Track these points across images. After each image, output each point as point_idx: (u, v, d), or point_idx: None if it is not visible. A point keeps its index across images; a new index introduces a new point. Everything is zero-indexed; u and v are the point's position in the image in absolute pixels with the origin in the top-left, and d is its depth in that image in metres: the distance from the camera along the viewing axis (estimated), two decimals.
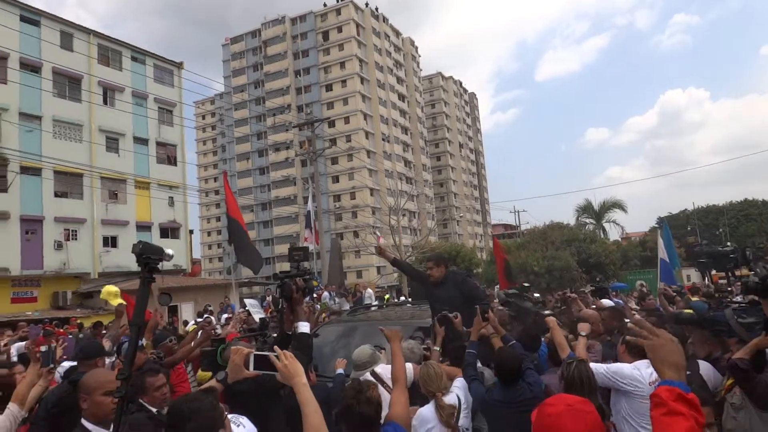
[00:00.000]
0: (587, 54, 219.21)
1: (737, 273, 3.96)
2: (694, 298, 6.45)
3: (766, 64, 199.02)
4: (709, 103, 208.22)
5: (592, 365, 3.80)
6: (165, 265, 2.76)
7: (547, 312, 5.22)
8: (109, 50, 34.23)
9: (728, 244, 3.80)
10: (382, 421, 2.88)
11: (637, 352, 3.95)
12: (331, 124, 69.71)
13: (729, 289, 5.10)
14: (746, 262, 4.12)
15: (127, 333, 6.17)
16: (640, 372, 3.79)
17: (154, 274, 2.65)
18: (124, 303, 7.15)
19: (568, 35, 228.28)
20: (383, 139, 76.81)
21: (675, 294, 6.77)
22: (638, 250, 46.78)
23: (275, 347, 2.49)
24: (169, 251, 2.71)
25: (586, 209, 55.86)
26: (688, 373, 3.66)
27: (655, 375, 3.88)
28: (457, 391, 3.84)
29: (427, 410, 3.69)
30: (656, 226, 72.68)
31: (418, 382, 3.86)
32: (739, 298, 3.74)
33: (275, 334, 4.50)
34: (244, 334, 6.16)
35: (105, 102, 33.19)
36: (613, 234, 56.11)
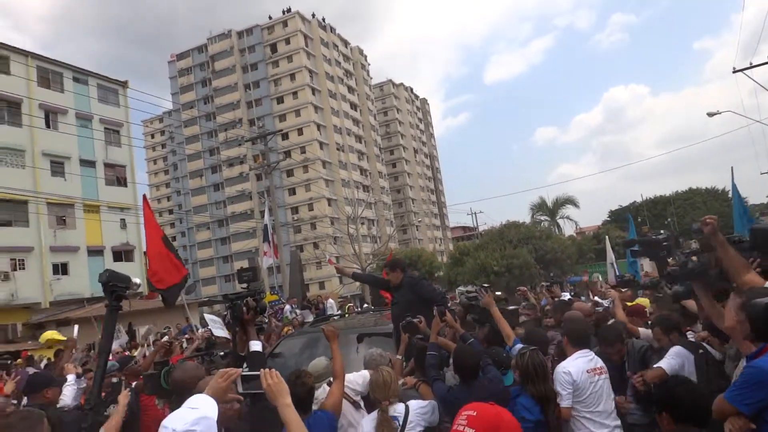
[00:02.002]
0: (532, 55, 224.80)
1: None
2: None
3: (699, 58, 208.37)
4: (650, 98, 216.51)
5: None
6: None
7: (511, 307, 5.30)
8: (50, 72, 33.18)
9: (661, 232, 3.97)
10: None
11: (577, 342, 4.09)
12: (285, 136, 69.24)
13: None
14: (679, 249, 4.31)
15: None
16: (569, 373, 3.86)
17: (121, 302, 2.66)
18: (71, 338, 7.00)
19: (513, 38, 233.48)
20: (338, 149, 76.74)
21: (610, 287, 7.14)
22: (592, 243, 48.15)
23: (262, 368, 2.54)
24: (137, 280, 2.74)
25: (540, 207, 57.22)
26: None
27: (594, 363, 4.01)
28: (413, 405, 3.75)
29: (368, 423, 3.61)
30: (608, 219, 74.94)
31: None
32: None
33: (221, 353, 4.44)
34: (190, 354, 6.04)
35: (47, 125, 32.13)
36: (568, 229, 57.70)
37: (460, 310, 5.28)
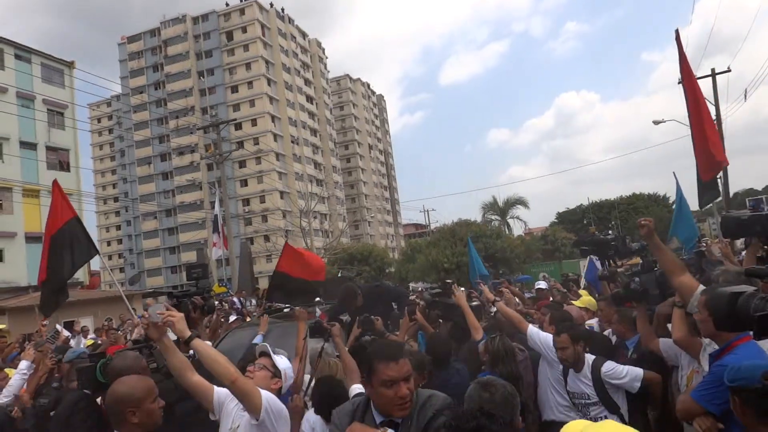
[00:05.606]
0: (488, 59, 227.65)
1: (620, 262, 4.28)
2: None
3: (646, 68, 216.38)
4: (599, 105, 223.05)
5: (531, 328, 4.23)
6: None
7: (475, 303, 5.38)
8: None
9: (609, 233, 4.13)
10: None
11: (559, 324, 4.22)
12: (238, 126, 67.99)
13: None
14: (627, 251, 4.50)
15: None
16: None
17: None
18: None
19: (471, 41, 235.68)
20: (292, 142, 75.92)
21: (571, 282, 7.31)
22: (540, 243, 49.36)
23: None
24: None
25: (491, 206, 58.10)
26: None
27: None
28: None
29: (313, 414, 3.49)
30: (555, 221, 76.93)
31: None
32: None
33: None
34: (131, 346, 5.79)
35: None
36: (517, 229, 58.74)
37: (422, 306, 5.31)
